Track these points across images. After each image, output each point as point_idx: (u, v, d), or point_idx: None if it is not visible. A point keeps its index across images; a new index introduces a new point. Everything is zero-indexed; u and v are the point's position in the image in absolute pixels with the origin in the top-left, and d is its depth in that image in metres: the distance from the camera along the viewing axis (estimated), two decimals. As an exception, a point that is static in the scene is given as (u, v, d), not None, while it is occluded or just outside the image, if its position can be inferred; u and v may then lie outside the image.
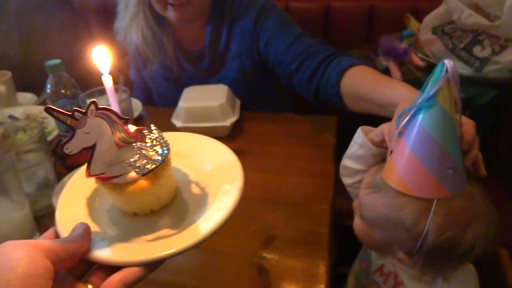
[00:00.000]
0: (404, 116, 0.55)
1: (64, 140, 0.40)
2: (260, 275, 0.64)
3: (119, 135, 0.43)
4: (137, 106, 1.09)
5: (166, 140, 0.46)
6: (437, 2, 1.14)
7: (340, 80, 0.87)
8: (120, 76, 0.95)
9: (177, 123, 0.98)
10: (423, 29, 1.17)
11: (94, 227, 0.44)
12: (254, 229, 0.72)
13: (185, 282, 0.65)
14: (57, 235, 0.44)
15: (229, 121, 0.96)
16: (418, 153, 0.53)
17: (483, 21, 1.05)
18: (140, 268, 0.40)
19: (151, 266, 0.41)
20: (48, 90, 0.90)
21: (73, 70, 0.95)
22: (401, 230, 0.58)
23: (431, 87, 0.51)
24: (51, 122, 1.02)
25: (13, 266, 0.33)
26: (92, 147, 0.42)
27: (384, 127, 0.63)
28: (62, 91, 0.90)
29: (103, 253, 0.41)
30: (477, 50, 1.08)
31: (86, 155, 0.42)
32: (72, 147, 0.41)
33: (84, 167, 0.43)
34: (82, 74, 1.01)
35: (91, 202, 0.50)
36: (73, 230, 0.41)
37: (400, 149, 0.56)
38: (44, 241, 0.38)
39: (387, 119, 0.64)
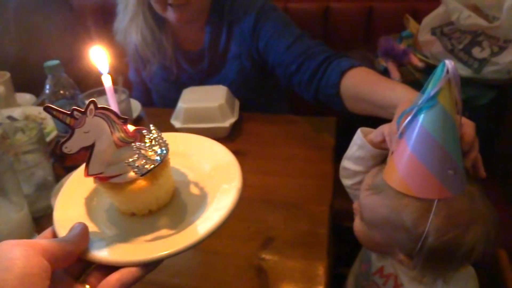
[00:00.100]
0: (405, 117, 0.55)
1: (63, 139, 0.40)
2: (259, 276, 0.64)
3: (118, 134, 0.43)
4: (136, 106, 1.09)
5: (165, 140, 0.46)
6: (436, 3, 1.14)
7: (340, 81, 0.87)
8: (119, 77, 0.94)
9: (176, 123, 0.98)
10: (422, 30, 1.17)
11: (92, 227, 0.44)
12: (253, 230, 0.72)
13: (183, 283, 0.65)
14: (54, 235, 0.43)
15: (228, 122, 0.96)
16: (419, 153, 0.53)
17: (482, 22, 1.05)
18: (137, 268, 0.40)
19: (149, 266, 0.40)
20: (47, 91, 0.90)
21: (72, 71, 0.95)
22: (401, 232, 0.58)
23: (432, 87, 0.51)
24: (50, 123, 1.02)
25: (10, 266, 0.33)
26: (91, 147, 0.42)
27: (384, 128, 0.63)
28: (61, 91, 0.89)
29: (100, 253, 0.41)
30: (476, 51, 1.09)
31: (85, 155, 0.42)
32: (71, 146, 0.40)
33: (83, 166, 0.43)
34: (81, 74, 1.01)
35: (89, 202, 0.50)
36: (71, 229, 0.41)
37: (401, 149, 0.56)
38: (41, 240, 0.37)
39: (387, 120, 0.64)
